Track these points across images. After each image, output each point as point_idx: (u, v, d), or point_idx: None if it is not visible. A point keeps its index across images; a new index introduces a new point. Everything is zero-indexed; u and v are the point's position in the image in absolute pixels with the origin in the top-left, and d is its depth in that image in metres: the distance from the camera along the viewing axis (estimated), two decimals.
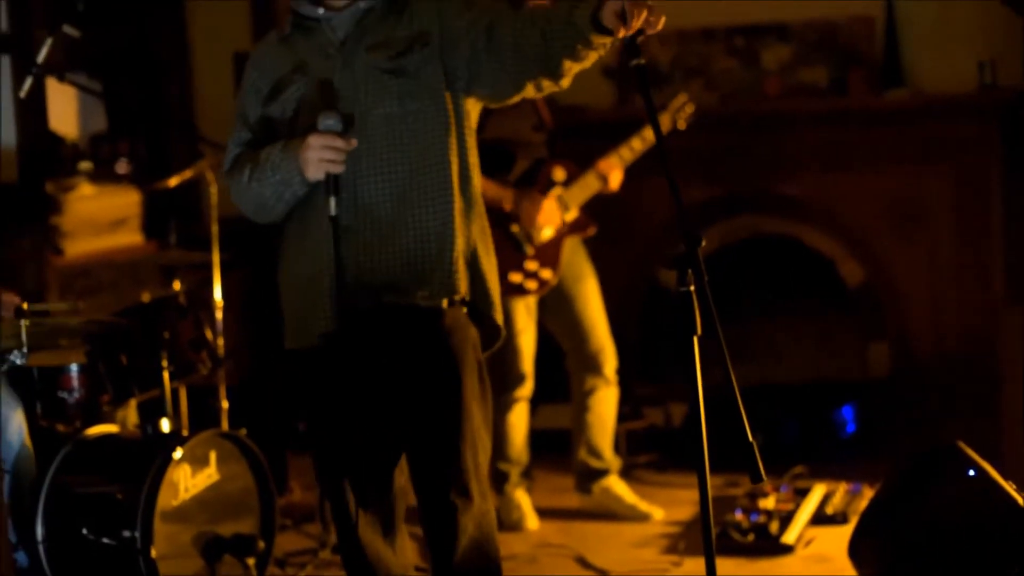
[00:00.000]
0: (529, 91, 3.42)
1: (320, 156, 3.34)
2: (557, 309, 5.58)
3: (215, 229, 5.32)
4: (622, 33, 3.07)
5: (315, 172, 3.36)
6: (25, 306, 4.33)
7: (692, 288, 2.80)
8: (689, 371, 2.80)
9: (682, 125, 5.62)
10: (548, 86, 3.40)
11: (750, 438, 2.78)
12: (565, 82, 3.37)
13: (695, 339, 2.78)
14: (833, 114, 6.68)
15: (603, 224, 5.69)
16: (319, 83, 3.45)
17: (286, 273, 3.56)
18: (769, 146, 6.68)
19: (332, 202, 3.34)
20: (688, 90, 5.93)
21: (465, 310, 3.48)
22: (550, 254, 5.45)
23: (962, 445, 3.96)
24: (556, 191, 5.47)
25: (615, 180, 5.50)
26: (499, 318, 3.56)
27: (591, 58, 3.27)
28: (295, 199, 3.46)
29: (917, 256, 6.57)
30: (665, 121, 5.55)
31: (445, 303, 3.43)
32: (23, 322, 4.28)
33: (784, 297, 6.87)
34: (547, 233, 5.42)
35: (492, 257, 3.57)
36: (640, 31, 3.04)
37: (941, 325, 6.57)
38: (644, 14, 3.04)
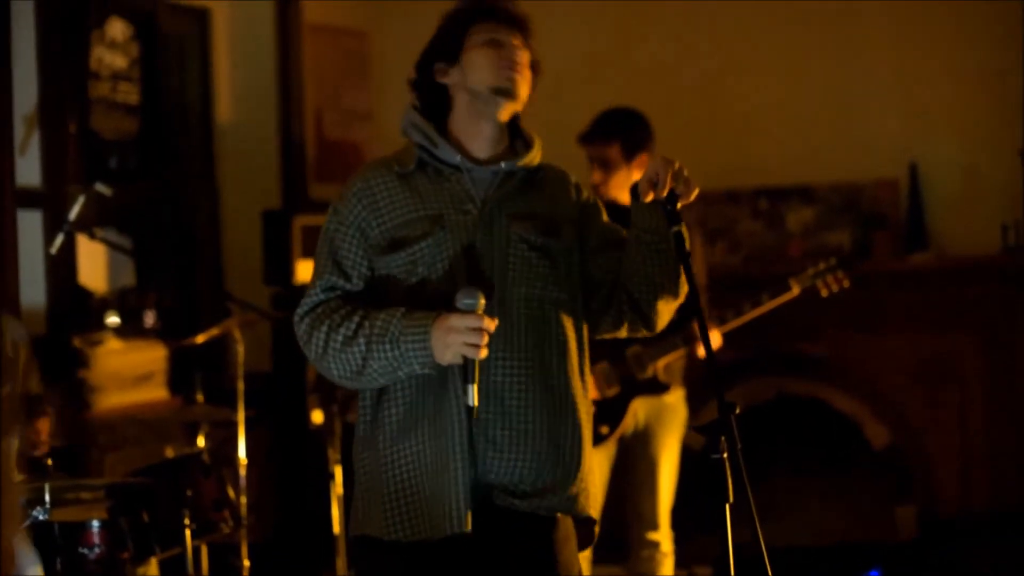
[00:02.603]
0: (617, 332, 3.32)
1: (464, 339, 2.98)
2: (631, 475, 5.32)
3: (241, 386, 5.32)
4: (650, 196, 3.09)
5: (452, 357, 3.02)
6: (49, 462, 4.33)
7: (725, 455, 2.77)
8: (720, 538, 2.77)
9: (824, 292, 5.35)
10: (639, 330, 3.30)
11: None
12: (656, 327, 3.28)
13: (727, 507, 2.75)
14: (857, 276, 6.69)
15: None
16: (464, 250, 3.13)
17: (388, 452, 3.16)
18: (794, 307, 6.67)
19: (472, 391, 3.01)
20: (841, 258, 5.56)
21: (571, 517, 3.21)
22: (613, 409, 5.18)
23: None
24: (633, 349, 5.17)
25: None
26: (596, 515, 3.29)
27: (669, 285, 3.19)
28: (411, 374, 3.11)
29: (943, 418, 6.54)
30: (796, 286, 5.30)
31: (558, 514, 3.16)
32: (47, 481, 4.28)
33: (810, 458, 6.83)
34: (612, 390, 5.24)
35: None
36: (675, 197, 3.07)
37: (969, 487, 6.53)
38: (671, 175, 3.06)
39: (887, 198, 6.76)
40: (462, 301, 3.00)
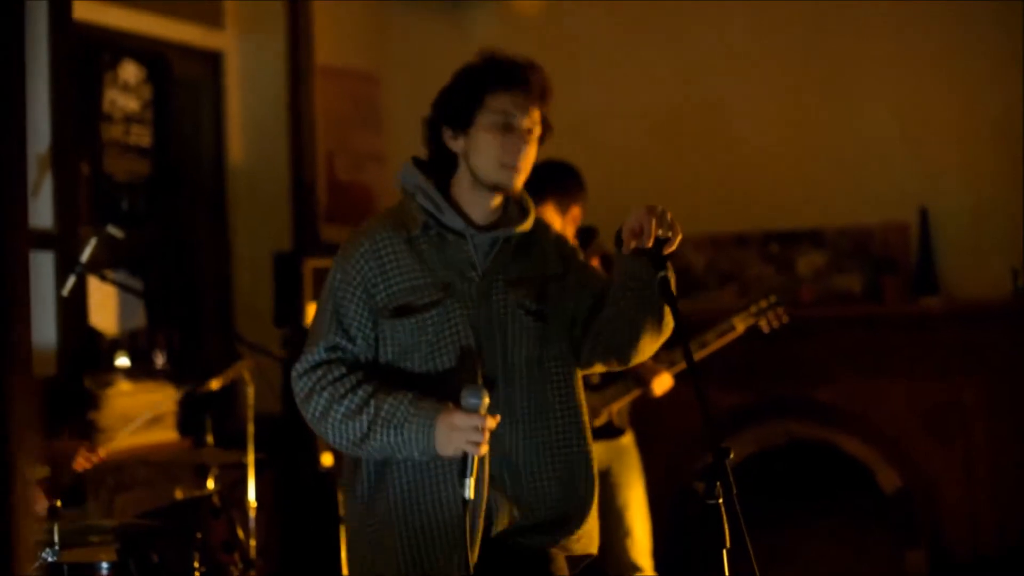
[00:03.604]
0: (596, 368, 3.39)
1: (469, 438, 3.07)
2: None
3: (251, 429, 5.32)
4: (632, 245, 3.11)
5: (453, 452, 3.11)
6: (59, 504, 4.32)
7: (720, 501, 2.77)
8: None
9: (766, 328, 5.44)
10: (616, 365, 3.37)
11: None
12: (633, 358, 3.33)
13: (724, 553, 2.75)
14: (867, 320, 6.70)
15: (635, 427, 5.56)
16: (462, 350, 3.20)
17: (394, 516, 3.25)
18: (804, 352, 6.68)
19: (468, 484, 3.08)
20: (779, 294, 5.65)
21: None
22: None
23: None
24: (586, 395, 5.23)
25: (660, 386, 5.24)
26: (595, 548, 3.42)
27: (646, 299, 3.20)
28: (407, 459, 3.21)
29: (953, 462, 6.53)
30: (739, 324, 5.36)
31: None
32: (56, 522, 4.27)
33: (820, 503, 6.80)
34: None
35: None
36: (662, 244, 3.08)
37: (979, 532, 6.50)
38: (656, 224, 3.07)
39: (897, 242, 6.76)
40: (467, 400, 3.09)
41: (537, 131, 3.29)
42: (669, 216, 3.11)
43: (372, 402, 3.16)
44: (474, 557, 3.13)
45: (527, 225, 3.35)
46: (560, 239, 3.46)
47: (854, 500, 6.81)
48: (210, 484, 5.13)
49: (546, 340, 3.28)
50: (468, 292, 3.24)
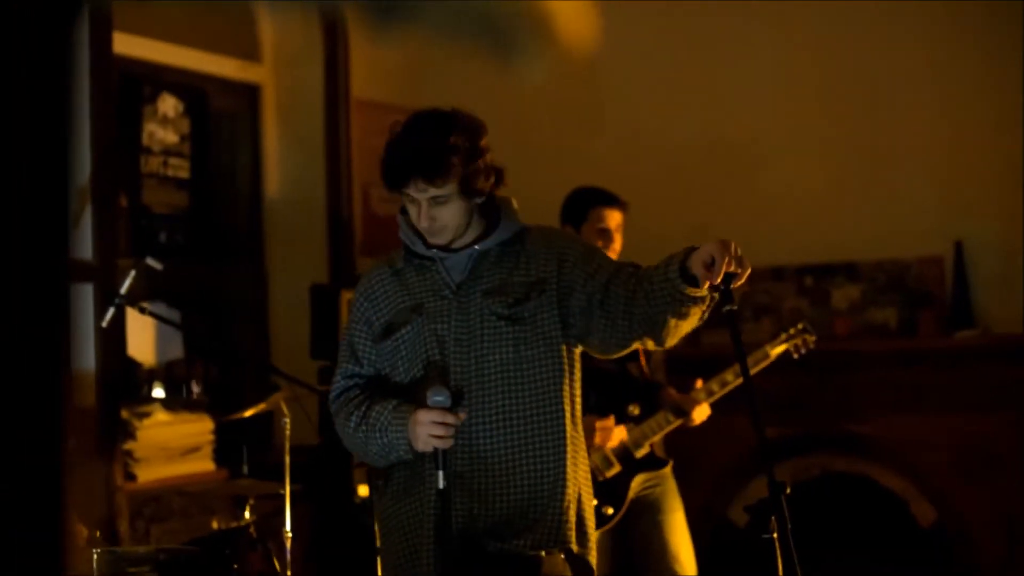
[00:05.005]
0: (634, 347, 3.51)
1: (429, 432, 3.37)
2: (643, 543, 5.33)
3: (287, 460, 5.33)
4: (706, 286, 3.15)
5: (423, 446, 3.40)
6: (98, 534, 4.35)
7: (775, 535, 2.78)
8: None
9: (795, 354, 5.45)
10: (652, 345, 3.47)
11: None
12: (669, 343, 3.43)
13: None
14: (903, 354, 6.68)
15: (671, 457, 5.54)
16: (429, 361, 3.50)
17: (390, 511, 3.61)
18: (839, 385, 6.67)
19: (439, 476, 3.36)
20: (806, 320, 5.66)
21: (563, 555, 3.51)
22: (615, 490, 5.23)
23: None
24: (628, 427, 5.22)
25: (699, 415, 5.27)
26: (593, 559, 3.60)
27: (695, 314, 3.32)
28: (402, 459, 3.51)
29: (988, 496, 6.50)
30: (772, 351, 5.37)
31: (543, 551, 3.47)
32: (94, 551, 4.30)
33: (855, 537, 6.78)
34: (613, 470, 5.26)
35: (591, 497, 3.64)
36: (731, 277, 3.12)
37: (1013, 566, 6.47)
38: (728, 261, 3.14)
39: (933, 276, 6.75)
40: (431, 398, 3.39)
41: (444, 192, 3.48)
42: (739, 251, 3.18)
43: (366, 413, 3.53)
44: (446, 550, 3.38)
45: (499, 236, 3.58)
46: (553, 238, 3.63)
47: (889, 534, 6.79)
48: (247, 515, 5.15)
49: (522, 343, 3.50)
50: (443, 308, 3.54)
